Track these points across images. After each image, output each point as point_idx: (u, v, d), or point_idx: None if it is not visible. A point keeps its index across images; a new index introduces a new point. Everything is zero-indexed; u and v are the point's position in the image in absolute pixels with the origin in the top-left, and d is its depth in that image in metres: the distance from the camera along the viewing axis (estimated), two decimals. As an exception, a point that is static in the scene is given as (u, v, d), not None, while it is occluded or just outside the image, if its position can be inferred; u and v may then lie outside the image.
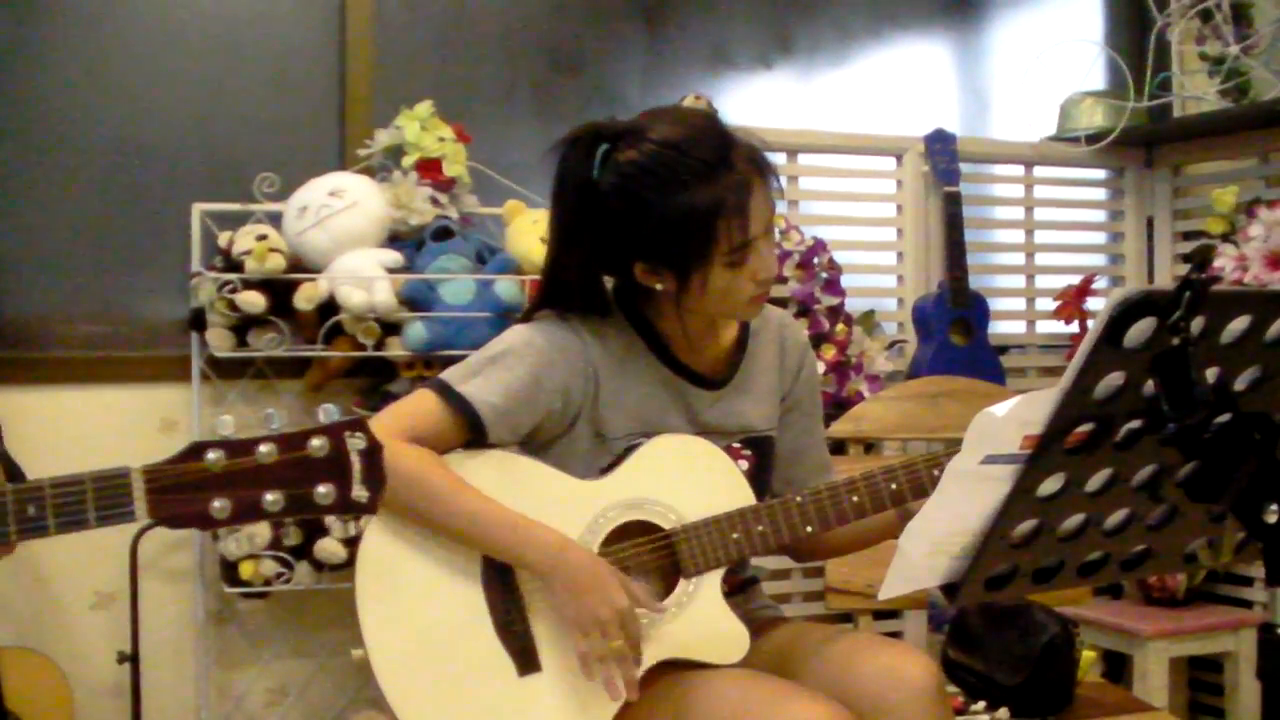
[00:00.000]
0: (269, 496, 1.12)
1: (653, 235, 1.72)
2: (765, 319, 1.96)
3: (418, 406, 1.75)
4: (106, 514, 1.11)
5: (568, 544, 1.71)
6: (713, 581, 1.78)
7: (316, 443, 1.13)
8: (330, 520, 2.63)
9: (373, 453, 1.14)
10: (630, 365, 1.82)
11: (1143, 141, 3.56)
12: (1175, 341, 1.18)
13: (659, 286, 1.77)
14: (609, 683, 1.68)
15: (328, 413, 1.16)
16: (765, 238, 1.75)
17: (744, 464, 1.86)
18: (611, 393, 1.80)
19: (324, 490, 1.13)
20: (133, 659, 2.60)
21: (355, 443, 1.14)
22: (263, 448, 1.12)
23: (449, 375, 1.77)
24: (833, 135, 3.35)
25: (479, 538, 1.72)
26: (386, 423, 1.73)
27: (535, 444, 1.81)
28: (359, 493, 1.14)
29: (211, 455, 1.12)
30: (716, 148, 1.71)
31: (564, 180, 1.77)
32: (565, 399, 1.78)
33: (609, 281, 1.85)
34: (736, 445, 1.88)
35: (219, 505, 1.11)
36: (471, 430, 1.74)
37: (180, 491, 1.11)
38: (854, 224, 3.37)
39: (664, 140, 1.72)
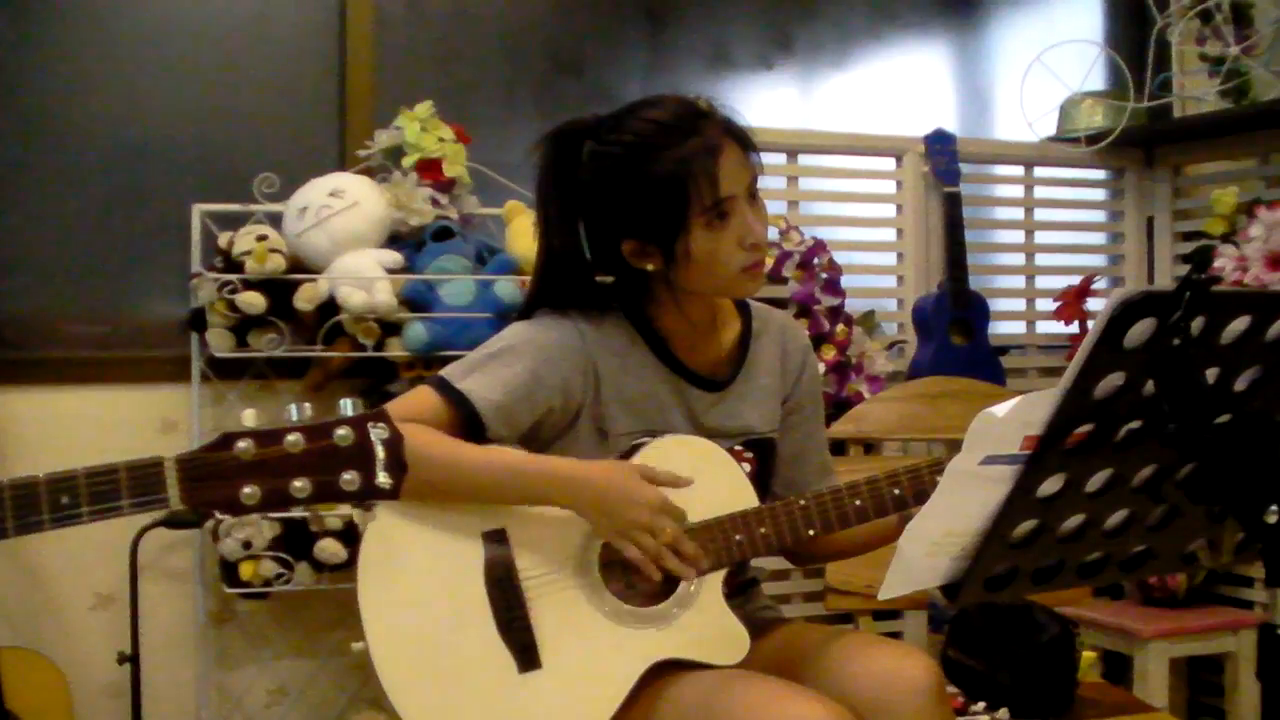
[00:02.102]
0: (297, 483, 1.15)
1: (631, 209, 1.76)
2: (767, 321, 1.96)
3: (417, 402, 1.75)
4: (140, 501, 1.14)
5: (576, 468, 1.73)
6: (714, 583, 1.79)
7: (341, 432, 1.16)
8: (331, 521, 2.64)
9: (395, 442, 1.18)
10: (630, 363, 1.83)
11: (1143, 142, 3.56)
12: (1175, 342, 1.17)
13: (650, 267, 1.79)
14: (679, 571, 1.71)
15: (345, 407, 1.19)
16: (748, 202, 1.77)
17: (745, 466, 1.86)
18: (612, 390, 1.81)
19: (349, 477, 1.16)
20: (133, 659, 2.59)
21: (379, 432, 1.18)
22: (290, 437, 1.15)
23: (448, 372, 1.78)
24: (833, 135, 3.35)
25: (491, 488, 1.72)
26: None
27: (537, 442, 1.81)
28: (383, 479, 1.17)
29: (241, 444, 1.15)
30: (685, 117, 1.77)
31: (546, 174, 1.82)
32: (565, 396, 1.78)
33: (608, 281, 1.86)
34: (738, 448, 1.88)
35: (249, 491, 1.15)
36: (470, 426, 1.74)
37: (212, 479, 1.15)
38: (854, 224, 3.37)
39: (636, 118, 1.78)
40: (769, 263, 3.05)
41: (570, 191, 1.80)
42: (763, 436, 1.92)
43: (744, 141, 1.79)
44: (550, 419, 1.79)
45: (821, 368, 2.99)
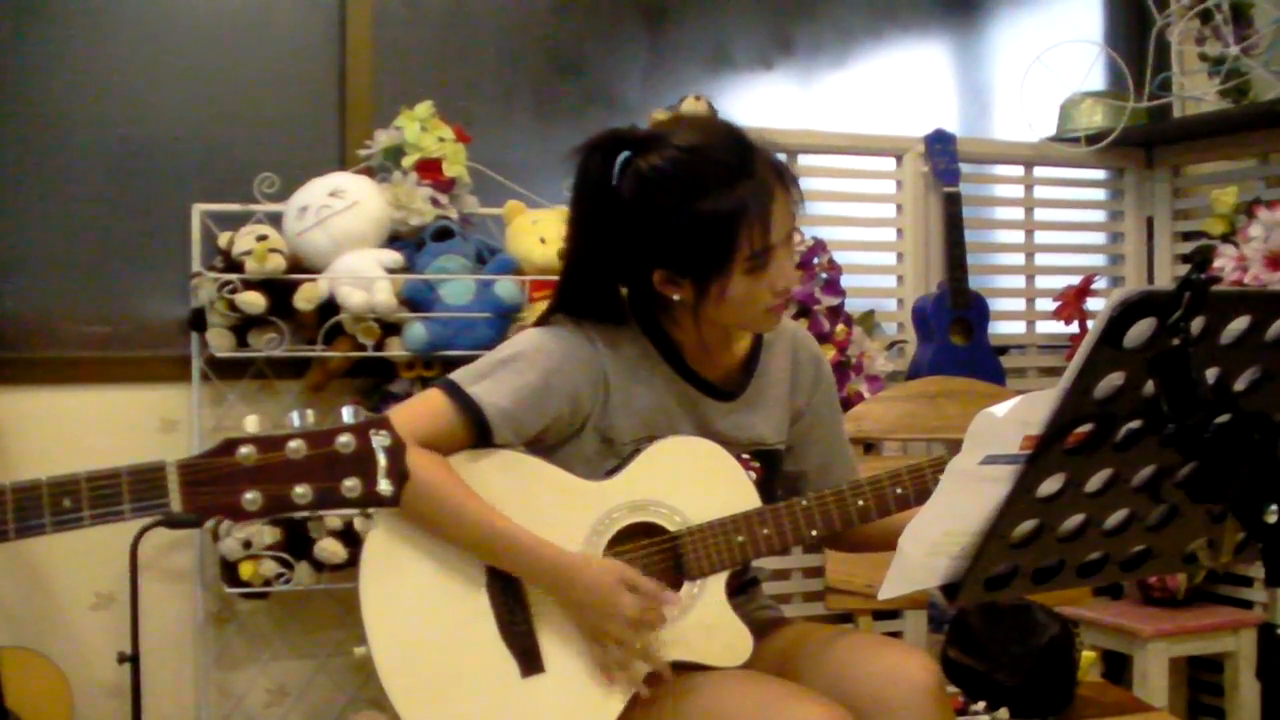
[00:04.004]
0: (298, 489, 1.16)
1: (673, 241, 1.71)
2: (779, 331, 1.95)
3: (426, 406, 1.75)
4: (141, 505, 1.15)
5: (573, 563, 1.72)
6: (717, 584, 1.78)
7: (343, 439, 1.17)
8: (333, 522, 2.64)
9: (396, 449, 1.19)
10: (642, 374, 1.82)
11: (1143, 141, 3.56)
12: (1175, 342, 1.17)
13: (677, 297, 1.76)
14: (632, 683, 1.71)
15: (346, 414, 1.20)
16: (785, 248, 1.74)
17: (752, 475, 1.85)
18: (622, 400, 1.80)
19: (350, 484, 1.17)
20: (133, 659, 2.59)
21: (380, 440, 1.18)
22: (292, 443, 1.16)
23: (459, 376, 1.77)
24: (833, 135, 3.35)
25: (484, 551, 1.72)
26: (395, 421, 1.73)
27: (541, 447, 1.80)
28: (384, 487, 1.18)
29: (243, 450, 1.16)
30: (738, 153, 1.71)
31: (583, 186, 1.77)
32: (574, 405, 1.78)
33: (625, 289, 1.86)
34: (746, 457, 1.87)
35: (250, 497, 1.15)
36: (478, 432, 1.73)
37: (213, 484, 1.15)
38: (854, 224, 3.37)
39: (686, 146, 1.72)
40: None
41: (606, 206, 1.75)
42: (771, 448, 1.92)
43: (790, 184, 1.75)
44: (557, 426, 1.78)
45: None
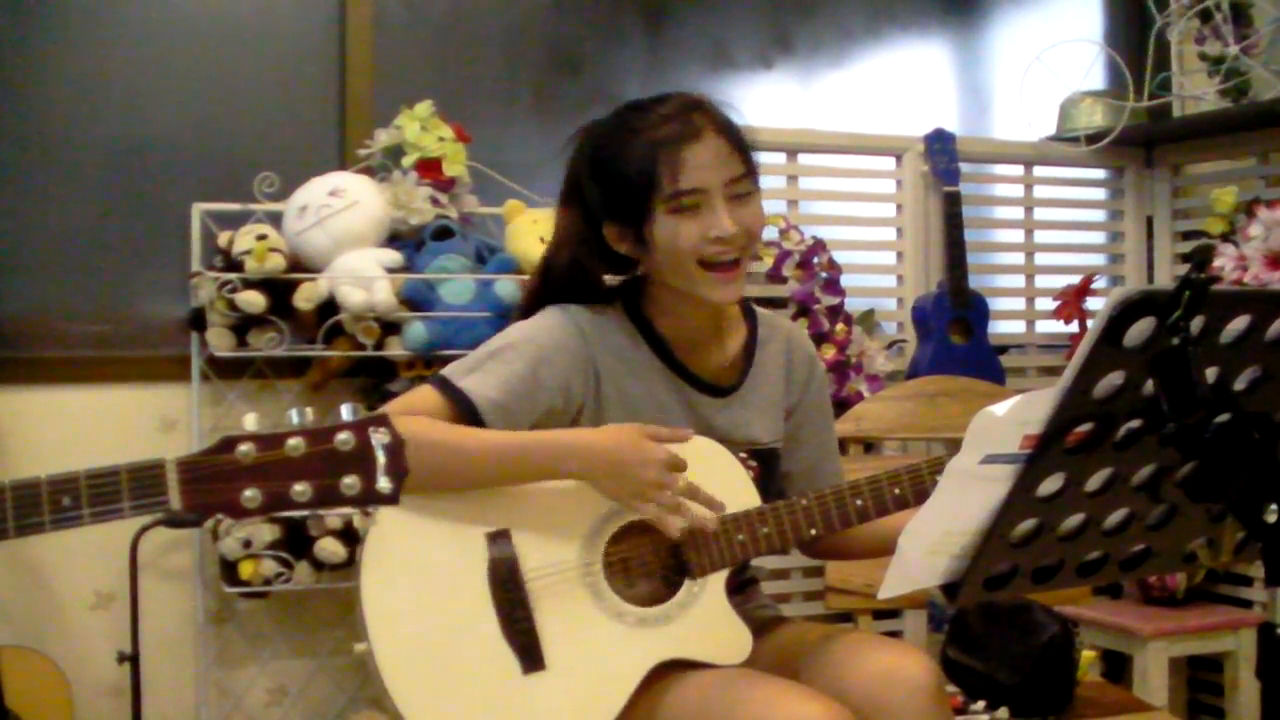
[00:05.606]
0: (298, 487, 1.16)
1: (606, 186, 1.78)
2: (774, 329, 1.96)
3: (418, 400, 1.75)
4: (141, 503, 1.15)
5: (589, 434, 1.73)
6: (717, 582, 1.78)
7: (343, 437, 1.17)
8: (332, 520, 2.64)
9: (396, 447, 1.19)
10: (634, 363, 1.83)
11: (1143, 141, 3.56)
12: (1175, 341, 1.18)
13: (624, 250, 1.81)
14: (700, 518, 1.71)
15: (345, 411, 1.20)
16: (726, 199, 1.75)
17: (749, 474, 1.85)
18: (613, 390, 1.81)
19: (350, 481, 1.17)
20: (133, 659, 2.59)
21: (379, 437, 1.18)
22: (291, 441, 1.16)
23: (450, 370, 1.78)
24: (833, 135, 3.35)
25: (495, 472, 1.72)
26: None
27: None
28: (383, 484, 1.18)
29: (243, 448, 1.15)
30: (670, 103, 1.78)
31: (566, 174, 1.86)
32: (566, 396, 1.78)
33: (611, 284, 1.87)
34: (742, 456, 1.87)
35: (249, 495, 1.15)
36: (471, 425, 1.73)
37: (212, 481, 1.15)
38: (854, 224, 3.37)
39: (633, 106, 1.81)
40: (768, 262, 3.05)
41: (574, 186, 1.84)
42: (766, 447, 1.92)
43: (733, 138, 1.78)
44: (551, 419, 1.79)
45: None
